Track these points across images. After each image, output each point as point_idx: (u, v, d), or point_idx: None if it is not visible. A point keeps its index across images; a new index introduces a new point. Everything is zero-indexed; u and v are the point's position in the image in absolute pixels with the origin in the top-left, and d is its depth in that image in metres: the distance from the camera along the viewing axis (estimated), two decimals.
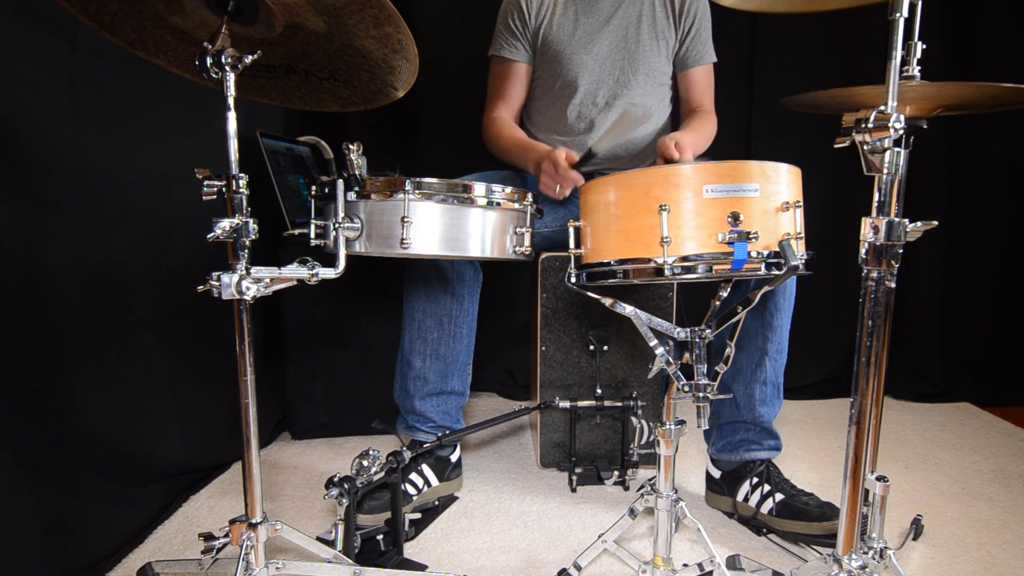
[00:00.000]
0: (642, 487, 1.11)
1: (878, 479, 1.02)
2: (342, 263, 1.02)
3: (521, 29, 1.63)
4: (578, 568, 1.16)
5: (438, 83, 2.07)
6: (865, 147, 0.83)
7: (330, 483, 1.11)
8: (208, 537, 1.03)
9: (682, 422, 1.07)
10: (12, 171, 1.11)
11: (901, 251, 0.85)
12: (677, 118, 1.72)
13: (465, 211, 1.09)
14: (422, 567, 1.21)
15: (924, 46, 0.90)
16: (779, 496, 1.32)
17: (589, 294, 1.05)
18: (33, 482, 1.10)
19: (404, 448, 1.28)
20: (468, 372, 1.55)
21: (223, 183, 0.90)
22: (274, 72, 1.07)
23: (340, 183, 1.04)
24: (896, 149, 0.82)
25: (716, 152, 1.61)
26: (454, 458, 1.53)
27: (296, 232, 1.14)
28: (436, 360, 1.48)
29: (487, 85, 1.71)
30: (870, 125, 0.81)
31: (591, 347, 1.58)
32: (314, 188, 1.11)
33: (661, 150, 1.30)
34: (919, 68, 0.91)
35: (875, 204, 0.84)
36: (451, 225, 1.09)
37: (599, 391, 1.58)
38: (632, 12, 1.60)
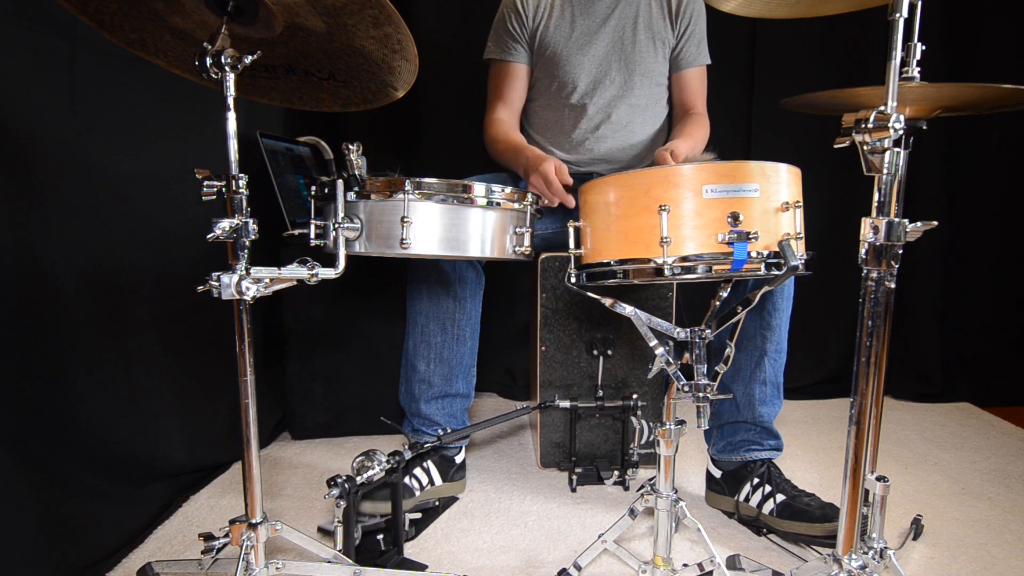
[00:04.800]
0: (642, 487, 1.11)
1: (878, 479, 1.02)
2: (342, 263, 1.02)
3: (519, 31, 1.63)
4: (578, 568, 1.16)
5: (438, 83, 2.07)
6: (865, 147, 0.83)
7: (331, 483, 1.11)
8: (208, 537, 1.03)
9: (682, 422, 1.07)
10: (12, 171, 1.11)
11: (901, 251, 0.85)
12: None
13: (465, 211, 1.09)
14: (422, 567, 1.21)
15: (924, 47, 0.90)
16: (780, 497, 1.32)
17: (589, 294, 1.05)
18: (33, 482, 1.09)
19: (405, 447, 1.28)
20: (472, 374, 1.55)
21: (223, 183, 0.90)
22: (274, 72, 1.07)
23: (340, 183, 1.04)
24: (896, 149, 0.82)
25: (716, 153, 1.61)
26: (459, 459, 1.53)
27: (296, 232, 1.13)
28: (440, 363, 1.48)
29: (487, 89, 1.70)
30: (870, 125, 0.81)
31: (595, 352, 1.57)
32: (314, 188, 1.11)
33: (658, 163, 1.30)
34: (919, 69, 0.91)
35: (875, 204, 0.84)
36: (451, 225, 1.09)
37: (600, 393, 1.58)
38: (628, 13, 1.61)
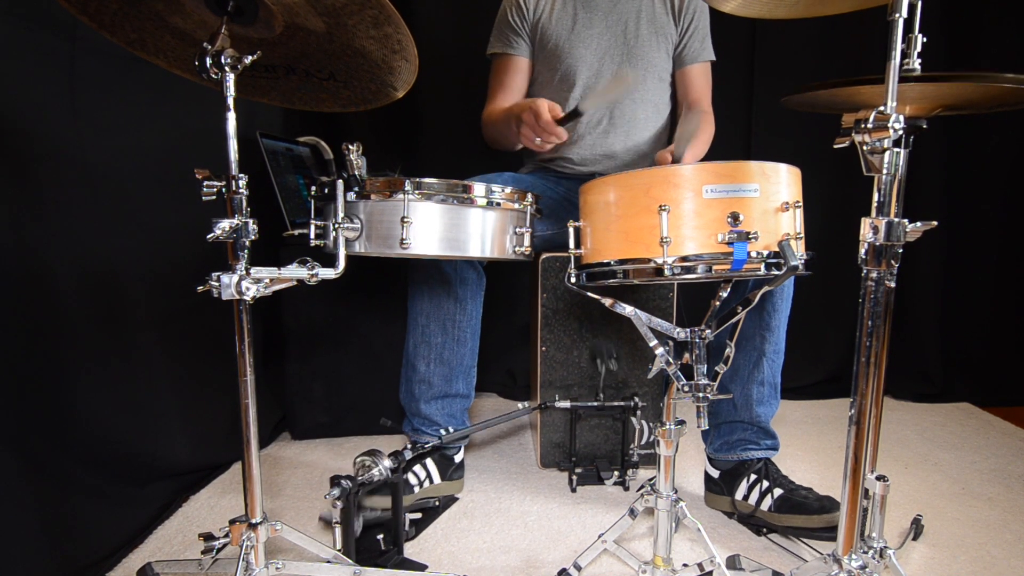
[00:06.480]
0: (642, 487, 1.11)
1: (878, 479, 1.02)
2: (342, 263, 1.03)
3: (520, 24, 1.63)
4: (578, 568, 1.16)
5: (438, 83, 2.07)
6: (865, 147, 0.83)
7: (334, 482, 1.11)
8: (208, 537, 1.03)
9: (682, 422, 1.07)
10: (12, 171, 1.11)
11: (901, 251, 0.85)
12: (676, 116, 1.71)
13: (465, 211, 1.09)
14: (422, 567, 1.21)
15: (924, 39, 0.90)
16: (778, 491, 1.32)
17: (589, 294, 1.05)
18: (33, 482, 1.09)
19: (406, 447, 1.28)
20: (472, 375, 1.56)
21: (223, 183, 0.90)
22: (274, 72, 1.07)
23: (340, 183, 1.04)
24: (896, 149, 0.82)
25: (716, 152, 1.61)
26: (458, 459, 1.53)
27: (296, 232, 1.14)
28: (440, 364, 1.48)
29: (488, 84, 1.70)
30: (869, 125, 0.81)
31: (598, 360, 1.57)
32: (314, 188, 1.11)
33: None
34: (919, 61, 0.90)
35: (875, 204, 0.84)
36: (451, 225, 1.09)
37: (600, 393, 1.58)
38: (631, 7, 1.61)
